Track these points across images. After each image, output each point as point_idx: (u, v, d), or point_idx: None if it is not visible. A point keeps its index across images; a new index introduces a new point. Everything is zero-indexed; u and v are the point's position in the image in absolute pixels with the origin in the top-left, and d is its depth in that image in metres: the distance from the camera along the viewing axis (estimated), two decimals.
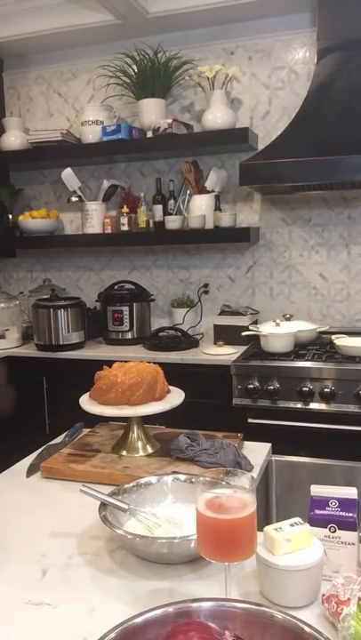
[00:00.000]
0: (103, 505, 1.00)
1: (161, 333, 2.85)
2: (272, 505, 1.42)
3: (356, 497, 0.90)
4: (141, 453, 1.33)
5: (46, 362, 2.81)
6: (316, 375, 2.27)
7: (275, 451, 1.43)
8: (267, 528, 0.86)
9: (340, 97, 2.49)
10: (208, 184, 2.87)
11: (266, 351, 2.49)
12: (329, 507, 0.89)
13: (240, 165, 2.45)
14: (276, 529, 0.86)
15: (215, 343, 2.66)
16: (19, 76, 3.36)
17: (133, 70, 2.94)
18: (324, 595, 0.79)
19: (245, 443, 1.42)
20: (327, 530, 0.88)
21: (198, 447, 1.28)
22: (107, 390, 1.31)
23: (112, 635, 0.66)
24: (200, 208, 2.85)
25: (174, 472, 1.17)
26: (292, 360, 2.37)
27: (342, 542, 0.88)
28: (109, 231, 3.03)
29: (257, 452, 1.38)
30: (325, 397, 2.24)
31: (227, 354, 2.53)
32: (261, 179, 2.49)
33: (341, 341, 2.42)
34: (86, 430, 1.52)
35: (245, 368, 2.37)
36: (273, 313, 2.92)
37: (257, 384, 2.33)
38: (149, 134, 2.90)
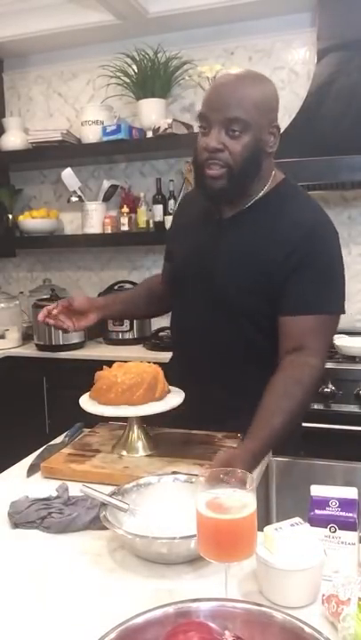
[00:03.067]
0: (103, 505, 1.00)
1: (161, 333, 2.85)
2: (272, 505, 1.42)
3: (356, 497, 0.90)
4: (141, 453, 1.33)
5: (46, 362, 2.81)
6: None
7: (275, 451, 1.43)
8: (267, 528, 0.86)
9: (340, 97, 2.49)
10: None
11: None
12: (329, 507, 0.89)
13: None
14: (276, 529, 0.86)
15: None
16: (19, 76, 3.36)
17: (133, 70, 2.94)
18: (324, 595, 0.79)
19: None
20: (327, 530, 0.88)
21: (49, 507, 1.08)
22: (107, 390, 1.31)
23: (112, 635, 0.66)
24: None
25: (174, 472, 1.17)
26: None
27: (342, 542, 0.88)
28: (109, 231, 3.03)
29: None
30: (325, 397, 2.24)
31: None
32: None
33: (341, 341, 2.42)
34: (86, 430, 1.52)
35: None
36: None
37: None
38: (149, 134, 2.90)
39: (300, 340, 1.25)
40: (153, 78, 2.90)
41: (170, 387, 1.38)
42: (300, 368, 1.23)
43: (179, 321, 1.53)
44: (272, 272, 1.27)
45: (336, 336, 2.48)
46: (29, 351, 2.91)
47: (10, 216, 3.30)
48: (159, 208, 2.95)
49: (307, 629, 0.66)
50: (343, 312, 1.30)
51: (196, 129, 2.93)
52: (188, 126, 2.90)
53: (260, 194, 1.34)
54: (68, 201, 3.09)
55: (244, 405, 1.21)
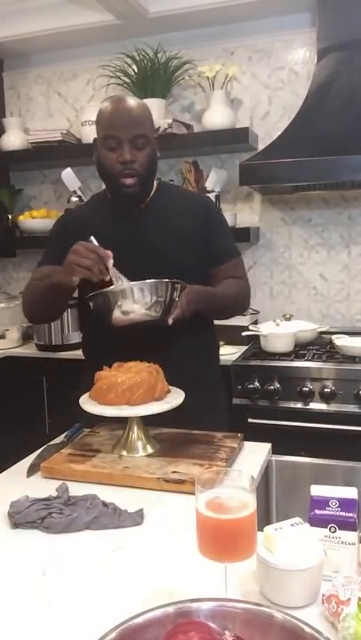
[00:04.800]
0: None
1: None
2: (272, 505, 1.42)
3: (356, 497, 0.90)
4: (141, 453, 1.33)
5: (46, 362, 2.81)
6: (316, 375, 2.27)
7: (275, 451, 1.43)
8: (267, 528, 0.86)
9: (340, 97, 2.49)
10: (208, 184, 2.87)
11: (266, 351, 2.49)
12: (329, 507, 0.89)
13: (240, 165, 2.45)
14: (276, 529, 0.86)
15: None
16: (19, 76, 3.36)
17: (133, 70, 2.94)
18: (324, 595, 0.79)
19: (245, 443, 1.42)
20: (327, 530, 0.88)
21: (49, 507, 1.09)
22: (107, 390, 1.31)
23: (112, 635, 0.66)
24: None
25: None
26: (292, 360, 2.37)
27: (342, 542, 0.88)
28: None
29: (257, 452, 1.38)
30: (325, 397, 2.24)
31: (227, 354, 2.53)
32: (261, 179, 2.49)
33: (341, 341, 2.42)
34: (86, 430, 1.52)
35: (245, 368, 2.37)
36: (273, 313, 2.92)
37: (257, 384, 2.32)
38: None
39: (232, 275, 1.67)
40: (153, 78, 2.90)
41: (170, 387, 1.38)
42: (239, 281, 1.69)
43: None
44: (197, 235, 1.62)
45: (336, 336, 2.49)
46: (29, 351, 2.90)
47: (10, 216, 3.30)
48: None
49: (307, 629, 0.66)
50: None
51: (196, 129, 2.94)
52: (188, 126, 2.90)
53: (151, 194, 1.63)
54: (68, 201, 3.08)
55: (193, 357, 1.61)
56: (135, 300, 1.34)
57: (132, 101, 1.56)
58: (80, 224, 1.66)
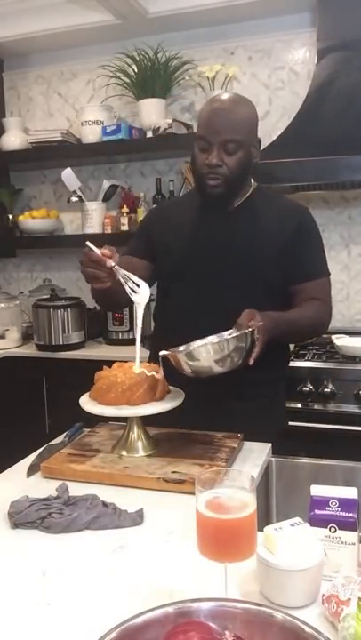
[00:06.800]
0: None
1: None
2: (272, 505, 1.42)
3: (356, 497, 0.90)
4: (141, 453, 1.33)
5: (46, 362, 2.81)
6: (316, 375, 2.27)
7: (275, 451, 1.43)
8: (267, 528, 0.86)
9: (340, 97, 2.49)
10: None
11: None
12: (329, 507, 0.89)
13: None
14: (276, 529, 0.86)
15: None
16: (19, 76, 3.36)
17: (133, 70, 2.94)
18: (324, 595, 0.79)
19: (245, 443, 1.42)
20: (327, 530, 0.88)
21: (49, 507, 1.09)
22: (107, 390, 1.31)
23: (112, 635, 0.66)
24: None
25: None
26: (292, 360, 2.37)
27: (342, 542, 0.88)
28: (109, 231, 3.03)
29: (257, 452, 1.38)
30: (325, 397, 2.24)
31: None
32: (262, 179, 2.48)
33: (341, 341, 2.42)
34: (86, 430, 1.52)
35: None
36: None
37: None
38: (149, 134, 2.90)
39: (315, 297, 1.56)
40: (153, 78, 2.90)
41: (170, 387, 1.38)
42: (318, 304, 1.57)
43: (186, 306, 1.60)
44: (284, 245, 1.55)
45: (336, 336, 2.49)
46: (29, 351, 2.91)
47: (10, 216, 3.30)
48: None
49: (307, 629, 0.66)
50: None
51: (196, 129, 2.94)
52: (188, 126, 2.90)
53: (246, 195, 1.60)
54: (68, 201, 3.09)
55: (259, 373, 1.43)
56: (212, 358, 1.26)
57: (232, 103, 1.50)
58: (166, 218, 1.71)
